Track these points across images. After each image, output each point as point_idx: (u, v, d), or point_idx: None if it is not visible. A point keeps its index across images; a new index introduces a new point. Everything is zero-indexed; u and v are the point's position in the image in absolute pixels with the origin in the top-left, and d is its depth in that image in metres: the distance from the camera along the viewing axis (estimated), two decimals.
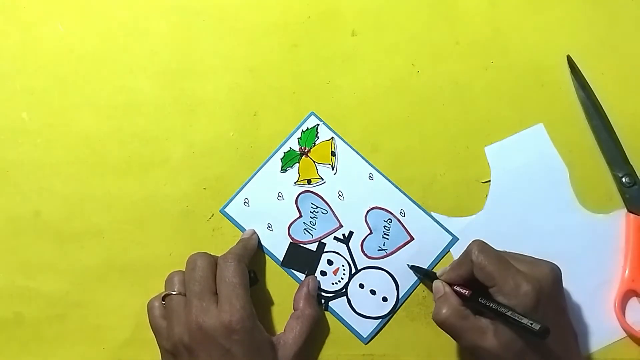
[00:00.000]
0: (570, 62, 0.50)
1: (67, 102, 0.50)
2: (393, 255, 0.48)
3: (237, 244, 0.47)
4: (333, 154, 0.49)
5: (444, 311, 0.41)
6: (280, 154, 0.49)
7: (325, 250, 0.48)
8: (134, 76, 0.50)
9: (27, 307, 0.48)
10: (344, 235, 0.48)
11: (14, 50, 0.51)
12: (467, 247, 0.43)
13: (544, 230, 0.47)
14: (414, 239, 0.48)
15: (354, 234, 0.48)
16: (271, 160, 0.49)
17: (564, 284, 0.43)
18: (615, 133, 0.48)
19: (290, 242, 0.48)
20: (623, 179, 0.48)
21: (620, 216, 0.47)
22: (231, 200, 0.49)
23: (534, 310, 0.38)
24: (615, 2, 0.51)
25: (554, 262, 0.43)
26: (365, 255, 0.48)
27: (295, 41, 0.51)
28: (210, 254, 0.45)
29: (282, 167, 0.49)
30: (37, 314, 0.48)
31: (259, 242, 0.48)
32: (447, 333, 0.41)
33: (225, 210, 0.49)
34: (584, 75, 0.49)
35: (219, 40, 0.51)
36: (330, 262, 0.48)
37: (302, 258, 0.48)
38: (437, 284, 0.44)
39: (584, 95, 0.49)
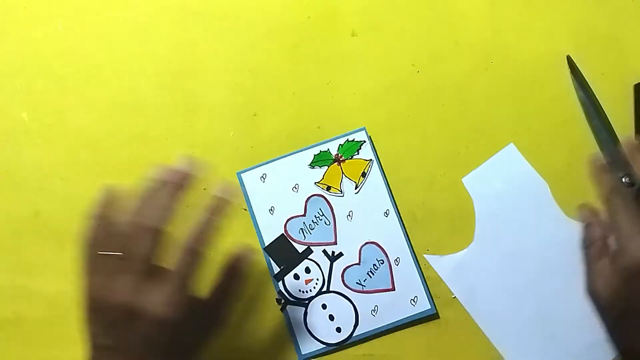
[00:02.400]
0: (570, 62, 0.50)
1: (67, 102, 0.50)
2: (368, 295, 0.47)
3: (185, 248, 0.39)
4: (364, 174, 0.48)
5: None
6: (316, 150, 0.49)
7: (309, 257, 0.47)
8: (134, 76, 0.50)
9: (27, 307, 0.48)
10: (333, 252, 0.47)
11: (14, 50, 0.51)
12: None
13: (538, 250, 0.47)
14: (395, 290, 0.47)
15: (342, 257, 0.47)
16: (306, 151, 0.49)
17: (569, 299, 0.44)
18: (615, 133, 0.48)
19: (282, 234, 0.48)
20: (623, 179, 0.47)
21: None
22: (251, 169, 0.49)
23: None
24: (615, 2, 0.51)
25: (549, 270, 0.43)
26: (343, 281, 0.47)
27: (295, 41, 0.51)
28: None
29: (311, 162, 0.49)
30: (37, 314, 0.48)
31: (254, 217, 0.47)
32: None
33: (242, 175, 0.48)
34: (584, 75, 0.49)
35: (219, 40, 0.51)
36: (307, 271, 0.47)
37: (285, 253, 0.48)
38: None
39: (584, 95, 0.49)
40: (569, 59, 0.50)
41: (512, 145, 0.49)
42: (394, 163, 0.49)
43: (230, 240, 0.45)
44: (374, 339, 0.46)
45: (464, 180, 0.48)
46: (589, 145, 0.49)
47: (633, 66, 0.50)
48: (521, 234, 0.47)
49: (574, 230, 0.47)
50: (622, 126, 0.49)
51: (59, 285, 0.48)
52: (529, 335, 0.44)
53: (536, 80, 0.50)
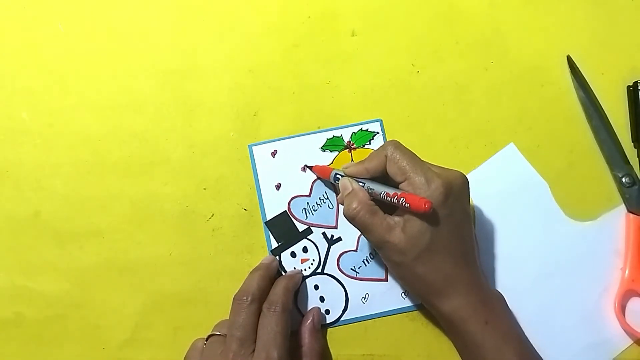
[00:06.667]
0: (570, 62, 0.50)
1: (67, 102, 0.50)
2: (361, 282, 0.47)
3: (277, 284, 0.44)
4: None
5: (354, 206, 0.42)
6: (329, 135, 0.49)
7: (308, 237, 0.48)
8: (134, 76, 0.50)
9: (27, 307, 0.48)
10: (332, 236, 0.48)
11: (14, 50, 0.51)
12: (383, 144, 0.44)
13: (538, 250, 0.47)
14: (387, 280, 0.47)
15: (340, 241, 0.48)
16: (319, 134, 0.49)
17: (570, 299, 0.45)
18: (615, 133, 0.48)
19: (285, 211, 0.48)
20: (623, 179, 0.48)
21: (620, 216, 0.47)
22: (263, 143, 0.49)
23: (442, 205, 0.40)
24: (615, 2, 0.51)
25: (549, 271, 0.45)
26: (338, 265, 0.47)
27: (295, 41, 0.51)
28: (259, 297, 0.43)
29: (323, 145, 0.49)
30: (37, 314, 0.48)
31: (259, 191, 0.48)
32: (358, 228, 0.42)
33: (253, 148, 0.49)
34: (584, 75, 0.49)
35: (219, 40, 0.51)
36: (305, 250, 0.48)
37: (285, 230, 0.48)
38: (344, 181, 0.44)
39: (584, 95, 0.49)
40: (569, 59, 0.50)
41: (512, 145, 0.49)
42: None
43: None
44: (357, 322, 0.47)
45: None
46: (589, 145, 0.49)
47: (633, 66, 0.50)
48: (521, 234, 0.47)
49: (574, 230, 0.47)
50: (622, 126, 0.49)
51: (59, 285, 0.48)
52: (529, 335, 0.44)
53: (536, 80, 0.50)
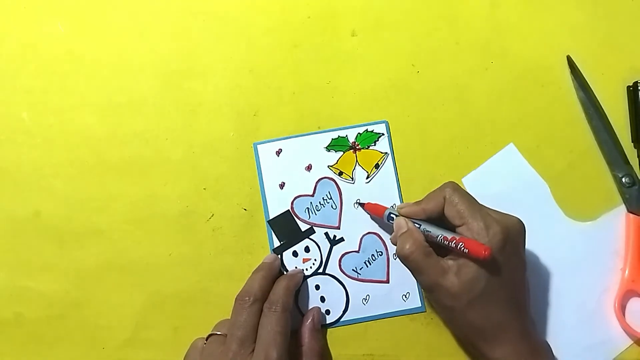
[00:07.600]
0: (570, 62, 0.50)
1: (67, 102, 0.50)
2: (362, 283, 0.47)
3: (277, 284, 0.44)
4: (377, 166, 0.49)
5: (407, 246, 0.41)
6: (334, 135, 0.49)
7: (311, 237, 0.48)
8: (134, 76, 0.50)
9: (27, 307, 0.48)
10: (334, 236, 0.48)
11: (14, 50, 0.51)
12: (440, 186, 0.43)
13: (538, 250, 0.47)
14: (389, 282, 0.47)
15: (343, 242, 0.48)
16: (324, 134, 0.49)
17: (571, 298, 0.45)
18: (615, 133, 0.48)
19: (288, 210, 0.48)
20: (623, 179, 0.48)
21: (620, 216, 0.47)
22: (268, 142, 0.49)
23: (500, 252, 0.39)
24: (615, 2, 0.51)
25: (549, 271, 0.45)
26: (340, 266, 0.47)
27: (295, 41, 0.51)
28: (261, 297, 0.43)
29: (328, 145, 0.49)
30: (37, 314, 0.48)
31: (263, 189, 0.48)
32: (410, 269, 0.42)
33: (258, 146, 0.49)
34: (584, 75, 0.49)
35: (219, 40, 0.51)
36: (307, 250, 0.48)
37: (288, 229, 0.48)
38: (399, 220, 0.44)
39: (584, 95, 0.49)
40: (569, 59, 0.50)
41: (512, 145, 0.49)
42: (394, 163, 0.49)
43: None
44: (357, 323, 0.47)
45: (464, 180, 0.48)
46: (589, 145, 0.49)
47: (633, 66, 0.50)
48: None
49: (573, 230, 0.47)
50: (622, 126, 0.49)
51: (59, 285, 0.48)
52: None
53: (536, 80, 0.50)
